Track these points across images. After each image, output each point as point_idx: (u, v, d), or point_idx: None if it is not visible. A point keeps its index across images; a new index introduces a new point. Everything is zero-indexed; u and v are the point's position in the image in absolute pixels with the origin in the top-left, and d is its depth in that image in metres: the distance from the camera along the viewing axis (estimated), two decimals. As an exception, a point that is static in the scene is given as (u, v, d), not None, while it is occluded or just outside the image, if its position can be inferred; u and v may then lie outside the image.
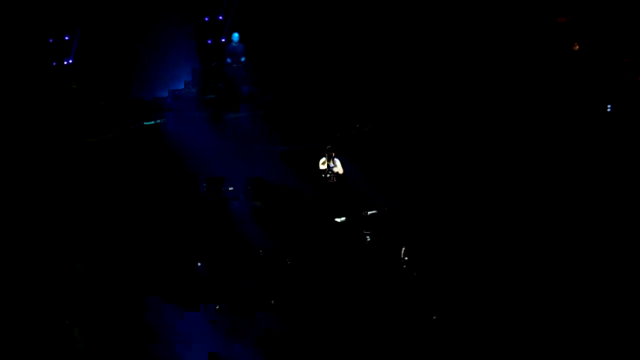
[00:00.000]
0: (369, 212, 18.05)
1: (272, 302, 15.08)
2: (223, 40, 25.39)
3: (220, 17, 25.41)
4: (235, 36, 24.40)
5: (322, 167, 17.94)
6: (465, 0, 24.20)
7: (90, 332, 14.55)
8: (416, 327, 14.32)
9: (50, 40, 23.24)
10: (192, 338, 14.33)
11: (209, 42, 25.42)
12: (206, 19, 25.45)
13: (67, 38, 23.51)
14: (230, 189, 19.59)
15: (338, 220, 17.90)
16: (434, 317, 14.39)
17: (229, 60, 24.44)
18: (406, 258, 15.90)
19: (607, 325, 14.14)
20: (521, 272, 15.56)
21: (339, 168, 17.89)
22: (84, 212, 18.47)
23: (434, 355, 13.81)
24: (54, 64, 23.36)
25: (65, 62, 23.62)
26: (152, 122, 23.31)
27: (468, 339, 13.99)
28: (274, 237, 17.32)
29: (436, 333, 14.21)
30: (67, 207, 18.58)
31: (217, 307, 15.11)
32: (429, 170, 20.33)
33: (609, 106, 21.94)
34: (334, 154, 17.87)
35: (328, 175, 17.89)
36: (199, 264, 16.64)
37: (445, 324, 14.37)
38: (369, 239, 16.98)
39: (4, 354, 13.86)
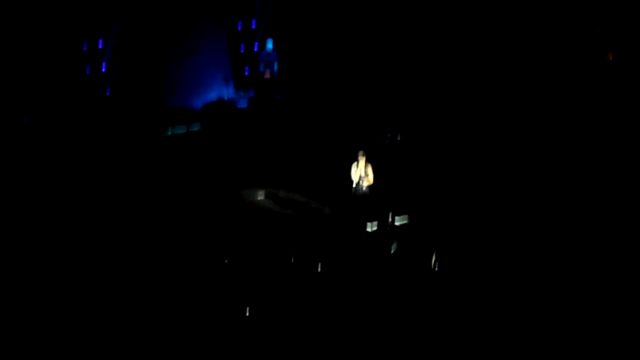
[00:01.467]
0: (399, 221, 18.00)
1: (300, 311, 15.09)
2: (256, 48, 25.47)
3: (254, 24, 25.50)
4: (269, 43, 24.46)
5: (354, 173, 17.92)
6: (500, 11, 24.15)
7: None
8: (446, 339, 14.24)
9: (84, 47, 23.40)
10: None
11: (242, 49, 25.49)
12: (239, 26, 25.53)
13: (100, 45, 23.65)
14: (261, 197, 19.67)
15: (369, 228, 17.87)
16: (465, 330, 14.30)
17: (261, 68, 24.50)
18: (436, 267, 15.86)
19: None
20: (560, 285, 15.42)
21: (370, 176, 17.86)
22: (116, 214, 18.61)
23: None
24: (88, 70, 23.51)
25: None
26: (184, 129, 23.40)
27: (501, 352, 13.88)
28: (305, 245, 17.32)
29: (467, 344, 14.12)
30: (100, 211, 18.72)
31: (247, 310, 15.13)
32: (462, 179, 20.26)
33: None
34: (366, 159, 17.83)
35: (359, 183, 17.86)
36: (226, 260, 16.71)
37: (477, 335, 14.28)
38: (395, 248, 16.95)
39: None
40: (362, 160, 17.85)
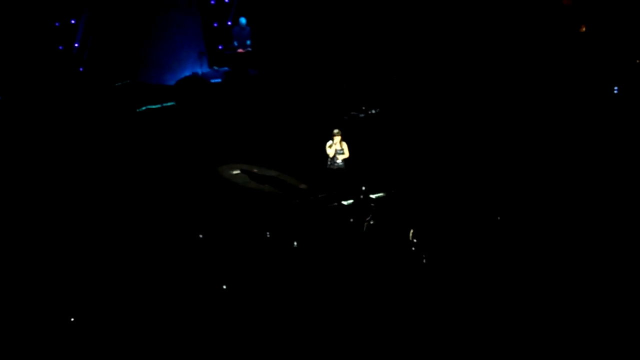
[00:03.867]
0: (375, 195, 18.06)
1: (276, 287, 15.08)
2: (229, 23, 25.37)
3: (227, 0, 25.39)
4: (243, 19, 24.38)
5: (329, 150, 17.95)
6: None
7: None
8: (425, 316, 14.27)
9: (57, 24, 23.23)
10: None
11: (215, 25, 25.38)
12: (212, 1, 25.41)
13: (73, 22, 23.50)
14: (237, 173, 19.69)
15: (345, 203, 17.92)
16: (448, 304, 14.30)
17: (235, 43, 24.42)
18: (415, 241, 15.93)
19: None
20: (533, 260, 15.47)
21: (345, 151, 17.91)
22: (90, 197, 18.56)
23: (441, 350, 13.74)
24: (61, 47, 23.36)
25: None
26: (159, 106, 23.33)
27: (477, 331, 13.87)
28: (282, 220, 17.35)
29: (445, 322, 14.12)
30: (73, 194, 18.66)
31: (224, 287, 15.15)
32: (438, 152, 20.32)
33: (615, 88, 21.92)
34: (341, 137, 17.89)
35: (335, 158, 17.91)
36: (200, 235, 16.70)
37: (455, 311, 14.28)
38: (371, 223, 16.99)
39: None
40: (337, 138, 17.91)
